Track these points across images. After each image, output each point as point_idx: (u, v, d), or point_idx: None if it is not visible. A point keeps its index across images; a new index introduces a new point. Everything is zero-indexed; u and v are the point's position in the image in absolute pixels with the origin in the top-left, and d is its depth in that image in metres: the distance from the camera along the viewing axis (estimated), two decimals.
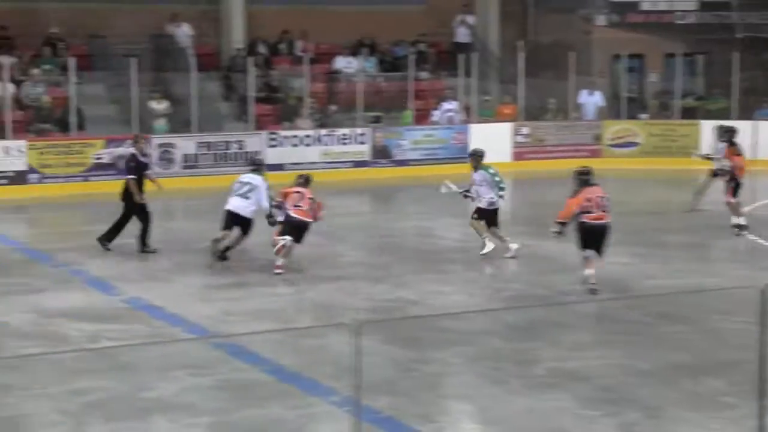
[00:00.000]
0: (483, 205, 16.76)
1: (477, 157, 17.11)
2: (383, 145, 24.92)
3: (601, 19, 29.71)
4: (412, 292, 14.80)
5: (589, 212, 14.52)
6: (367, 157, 24.65)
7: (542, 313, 13.48)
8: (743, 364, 10.54)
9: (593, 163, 23.11)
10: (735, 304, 12.81)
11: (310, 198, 15.87)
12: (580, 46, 28.58)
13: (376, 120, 25.92)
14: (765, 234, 18.13)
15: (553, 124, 27.01)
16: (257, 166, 17.20)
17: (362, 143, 24.80)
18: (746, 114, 26.95)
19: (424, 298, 14.47)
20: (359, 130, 24.88)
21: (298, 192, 15.93)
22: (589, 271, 14.52)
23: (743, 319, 11.35)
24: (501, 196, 16.83)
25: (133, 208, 16.71)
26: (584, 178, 14.76)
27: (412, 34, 28.72)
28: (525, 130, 26.58)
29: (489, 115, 27.12)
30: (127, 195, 16.78)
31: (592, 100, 27.46)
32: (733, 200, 18.47)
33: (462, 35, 29.28)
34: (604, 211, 14.60)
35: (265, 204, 16.17)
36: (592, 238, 14.61)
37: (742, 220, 18.39)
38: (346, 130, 24.83)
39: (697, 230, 18.15)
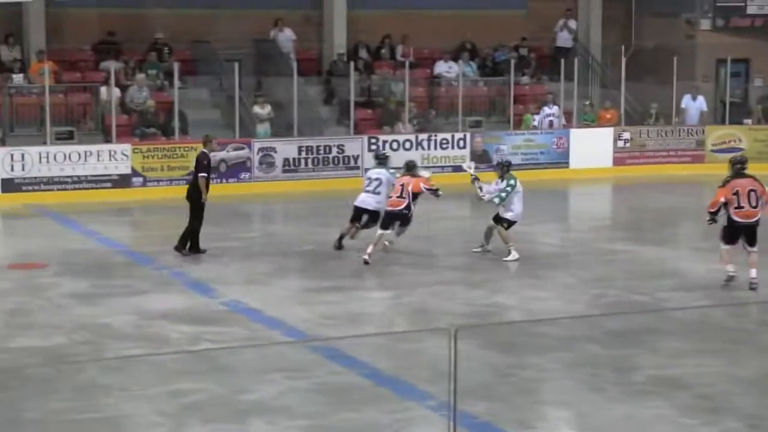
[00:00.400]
0: (509, 216, 16.69)
1: (504, 166, 17.02)
2: (483, 149, 24.86)
3: (705, 23, 29.28)
4: (510, 297, 14.77)
5: (739, 207, 14.56)
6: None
7: (641, 320, 13.36)
8: None
9: (696, 169, 22.96)
10: None
11: (401, 185, 16.57)
12: (684, 50, 28.20)
13: (476, 125, 25.86)
14: None
15: (654, 128, 26.70)
16: (381, 159, 17.78)
17: (462, 148, 24.77)
18: None
19: (522, 304, 14.43)
20: (459, 135, 24.86)
21: (401, 184, 16.66)
22: (729, 267, 14.75)
23: None
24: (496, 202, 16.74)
25: (199, 206, 16.75)
26: (737, 168, 14.80)
27: (513, 38, 28.62)
28: (626, 135, 26.31)
29: (590, 120, 26.91)
30: (194, 193, 16.77)
31: (695, 105, 27.08)
32: None
33: (563, 39, 29.09)
34: (754, 207, 14.57)
35: None
36: (738, 234, 14.72)
37: None
38: (446, 135, 24.82)
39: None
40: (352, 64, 25.15)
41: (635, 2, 30.20)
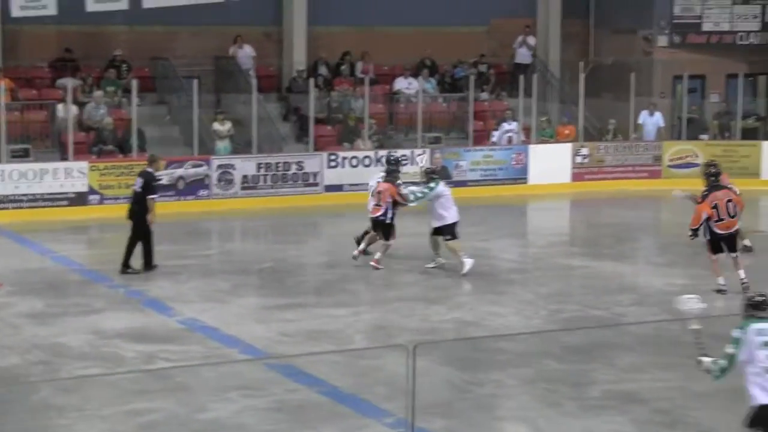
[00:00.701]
0: (440, 224, 16.87)
1: (428, 173, 17.38)
2: (442, 165, 24.90)
3: (662, 40, 29.51)
4: (468, 313, 14.77)
5: (720, 220, 15.25)
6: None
7: (598, 335, 13.40)
8: None
9: (653, 184, 23.13)
10: None
11: (378, 192, 16.97)
12: (641, 66, 28.40)
13: (436, 141, 25.91)
14: None
15: (612, 144, 26.85)
16: (392, 164, 18.04)
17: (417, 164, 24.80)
18: None
19: (480, 319, 14.44)
20: (418, 151, 24.91)
21: (378, 191, 17.16)
22: (720, 279, 15.36)
23: None
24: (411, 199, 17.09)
25: (145, 227, 16.64)
26: (712, 180, 15.55)
27: (472, 54, 28.71)
28: (584, 151, 26.44)
29: (549, 136, 27.03)
30: (140, 213, 16.60)
31: (652, 120, 27.25)
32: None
33: (523, 56, 29.21)
34: (732, 217, 15.33)
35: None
36: (721, 245, 15.43)
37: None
38: (405, 151, 24.85)
39: (758, 252, 17.92)
40: (312, 80, 25.13)
41: (594, 19, 30.41)
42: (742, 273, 15.44)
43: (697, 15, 29.45)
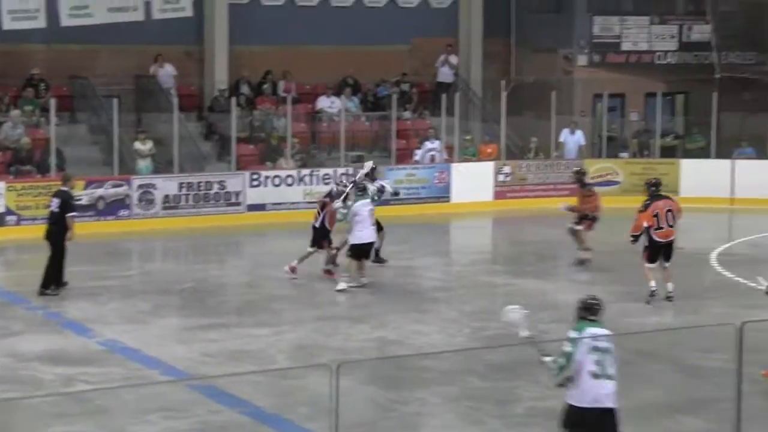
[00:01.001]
0: (352, 240, 17.07)
1: (357, 187, 17.64)
2: (372, 167, 24.88)
3: (582, 59, 29.84)
4: (392, 331, 14.75)
5: (659, 228, 16.03)
6: None
7: (522, 352, 13.40)
8: (720, 402, 10.52)
9: (574, 202, 23.26)
10: (713, 342, 12.78)
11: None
12: (562, 85, 28.68)
13: (359, 159, 25.90)
14: (741, 272, 18.11)
15: (534, 162, 27.06)
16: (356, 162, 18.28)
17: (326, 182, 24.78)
18: (724, 153, 27.06)
19: (405, 338, 14.43)
20: (341, 170, 24.88)
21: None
22: (652, 283, 16.10)
23: (721, 357, 11.33)
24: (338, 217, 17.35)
25: (63, 246, 16.39)
26: (653, 190, 16.41)
27: (395, 73, 28.78)
28: (506, 169, 26.60)
29: (471, 155, 27.16)
30: (58, 233, 16.36)
31: (573, 138, 27.51)
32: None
33: (445, 75, 29.36)
34: (670, 226, 16.12)
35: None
36: (659, 252, 16.15)
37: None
38: (328, 170, 24.82)
39: (675, 268, 18.10)
40: (233, 99, 25.02)
41: (515, 38, 30.66)
42: (670, 286, 16.21)
43: (616, 35, 29.84)
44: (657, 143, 28.11)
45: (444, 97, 26.79)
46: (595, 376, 8.88)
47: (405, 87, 28.66)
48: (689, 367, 13.08)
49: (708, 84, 28.55)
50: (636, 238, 16.34)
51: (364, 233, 16.95)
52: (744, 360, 9.38)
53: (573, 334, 8.98)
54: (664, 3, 30.82)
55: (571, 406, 9.00)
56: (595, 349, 8.91)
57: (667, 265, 16.31)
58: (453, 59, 29.36)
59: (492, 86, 28.31)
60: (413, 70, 29.31)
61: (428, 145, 26.31)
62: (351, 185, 17.73)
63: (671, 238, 16.28)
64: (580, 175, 19.69)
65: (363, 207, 17.12)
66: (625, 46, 29.96)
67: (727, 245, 20.79)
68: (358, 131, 27.14)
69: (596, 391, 8.89)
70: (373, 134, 27.62)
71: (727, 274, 18.25)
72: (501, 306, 16.12)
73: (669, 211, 16.21)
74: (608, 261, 19.67)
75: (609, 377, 8.94)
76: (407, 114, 27.94)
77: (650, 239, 16.19)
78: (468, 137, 27.36)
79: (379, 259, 18.42)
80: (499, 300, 16.77)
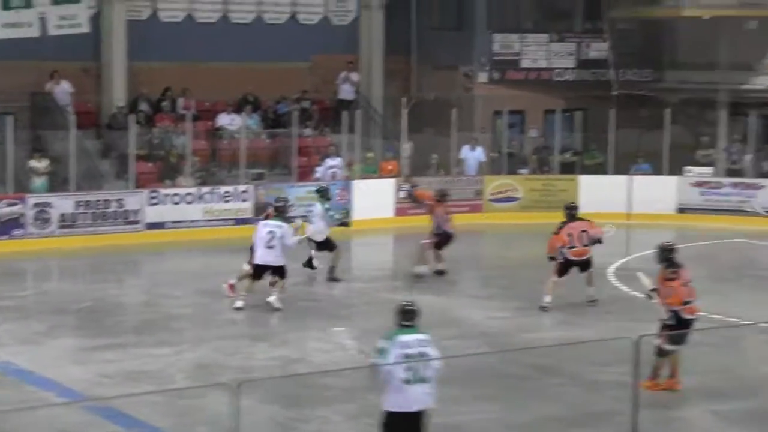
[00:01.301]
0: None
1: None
2: (265, 202, 24.80)
3: (482, 76, 30.10)
4: (294, 350, 14.68)
5: (572, 247, 16.77)
6: (249, 215, 24.49)
7: None
8: (617, 415, 10.65)
9: (475, 218, 23.47)
10: (610, 355, 12.93)
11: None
12: (463, 102, 28.88)
13: (259, 177, 25.79)
14: (637, 286, 18.34)
15: (435, 179, 27.16)
16: (279, 211, 17.50)
17: (245, 200, 24.63)
18: (622, 169, 27.48)
19: (306, 356, 14.38)
20: (242, 188, 24.73)
21: None
22: (547, 298, 16.77)
23: (618, 370, 11.46)
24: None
25: None
26: (570, 212, 17.22)
27: (296, 90, 28.72)
28: (407, 186, 26.65)
29: (372, 171, 27.19)
30: None
31: (473, 155, 27.72)
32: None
33: (346, 92, 29.38)
34: (585, 245, 16.85)
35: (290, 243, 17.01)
36: (569, 269, 16.90)
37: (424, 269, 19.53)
38: (228, 188, 24.65)
39: (572, 283, 18.29)
40: (132, 116, 24.73)
41: (417, 55, 30.80)
42: (592, 290, 17.19)
43: (516, 52, 30.17)
44: (556, 159, 28.47)
45: (345, 114, 26.79)
46: (407, 381, 9.37)
47: (306, 104, 28.62)
48: (587, 381, 13.21)
49: (606, 101, 28.99)
50: (553, 258, 17.00)
51: (256, 253, 16.87)
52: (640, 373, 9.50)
53: (383, 344, 9.46)
54: (562, 21, 31.24)
55: (388, 412, 9.49)
56: (406, 356, 9.40)
57: (585, 273, 17.13)
58: (354, 76, 29.40)
59: (393, 103, 28.42)
60: (314, 87, 29.28)
61: (329, 162, 26.29)
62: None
63: (586, 257, 16.99)
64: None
65: (261, 227, 17.05)
66: (525, 64, 30.30)
67: (624, 260, 21.08)
68: (258, 149, 27.01)
69: (409, 396, 9.38)
70: (274, 151, 27.51)
71: (624, 288, 18.49)
72: None
73: (584, 231, 16.97)
74: (506, 276, 19.86)
75: (422, 380, 9.43)
76: (308, 131, 27.89)
77: (565, 257, 16.86)
78: (370, 154, 27.41)
79: (333, 278, 19.05)
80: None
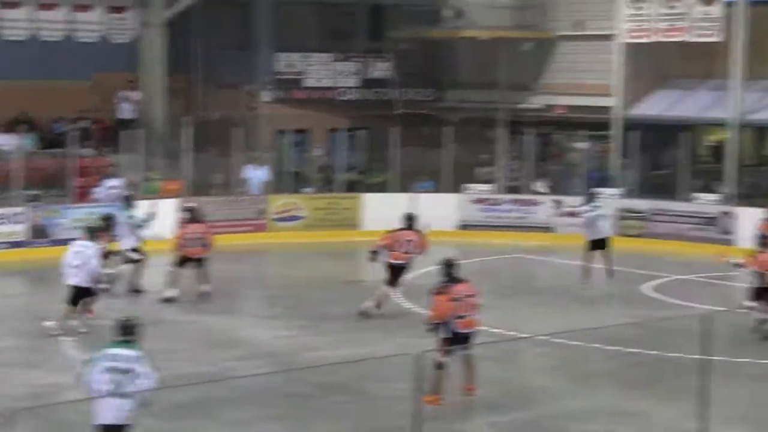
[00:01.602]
0: None
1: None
2: (41, 224, 24.02)
3: (266, 95, 30.02)
4: (68, 376, 14.13)
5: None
6: (23, 237, 23.65)
7: (205, 390, 13.17)
8: (401, 430, 10.67)
9: (258, 237, 23.33)
10: (393, 372, 12.94)
11: None
12: (247, 121, 28.70)
13: (35, 198, 24.94)
14: (420, 302, 18.53)
15: (218, 199, 26.87)
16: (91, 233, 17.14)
17: (19, 223, 23.75)
18: (405, 187, 27.79)
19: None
20: (16, 210, 23.86)
21: None
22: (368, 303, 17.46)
23: (401, 386, 11.48)
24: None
25: None
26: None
27: (75, 109, 27.96)
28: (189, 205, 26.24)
29: (154, 191, 26.67)
30: None
31: (257, 174, 27.57)
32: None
33: (125, 111, 28.79)
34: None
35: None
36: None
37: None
38: (1, 210, 23.74)
39: (355, 302, 18.34)
40: None
41: (201, 74, 30.46)
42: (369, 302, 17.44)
43: (300, 71, 30.23)
44: (341, 178, 28.59)
45: (124, 133, 26.23)
46: (108, 394, 9.65)
47: (85, 123, 27.90)
48: (371, 398, 13.22)
49: (389, 120, 29.32)
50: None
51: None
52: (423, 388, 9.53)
53: (93, 355, 9.85)
54: (346, 41, 31.46)
55: (95, 425, 9.72)
56: (111, 369, 9.72)
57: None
58: (134, 95, 28.86)
59: (176, 122, 27.99)
60: (94, 106, 28.57)
61: (109, 182, 25.65)
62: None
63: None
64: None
65: (70, 248, 16.84)
66: (309, 83, 30.42)
67: (407, 276, 21.22)
68: (34, 169, 26.11)
69: (106, 409, 9.68)
70: (52, 172, 26.66)
71: (407, 304, 18.63)
72: (186, 344, 15.97)
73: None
74: (290, 295, 19.77)
75: (123, 396, 9.69)
76: (88, 151, 27.16)
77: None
78: (156, 175, 26.91)
79: (135, 291, 19.05)
80: (186, 338, 16.51)
